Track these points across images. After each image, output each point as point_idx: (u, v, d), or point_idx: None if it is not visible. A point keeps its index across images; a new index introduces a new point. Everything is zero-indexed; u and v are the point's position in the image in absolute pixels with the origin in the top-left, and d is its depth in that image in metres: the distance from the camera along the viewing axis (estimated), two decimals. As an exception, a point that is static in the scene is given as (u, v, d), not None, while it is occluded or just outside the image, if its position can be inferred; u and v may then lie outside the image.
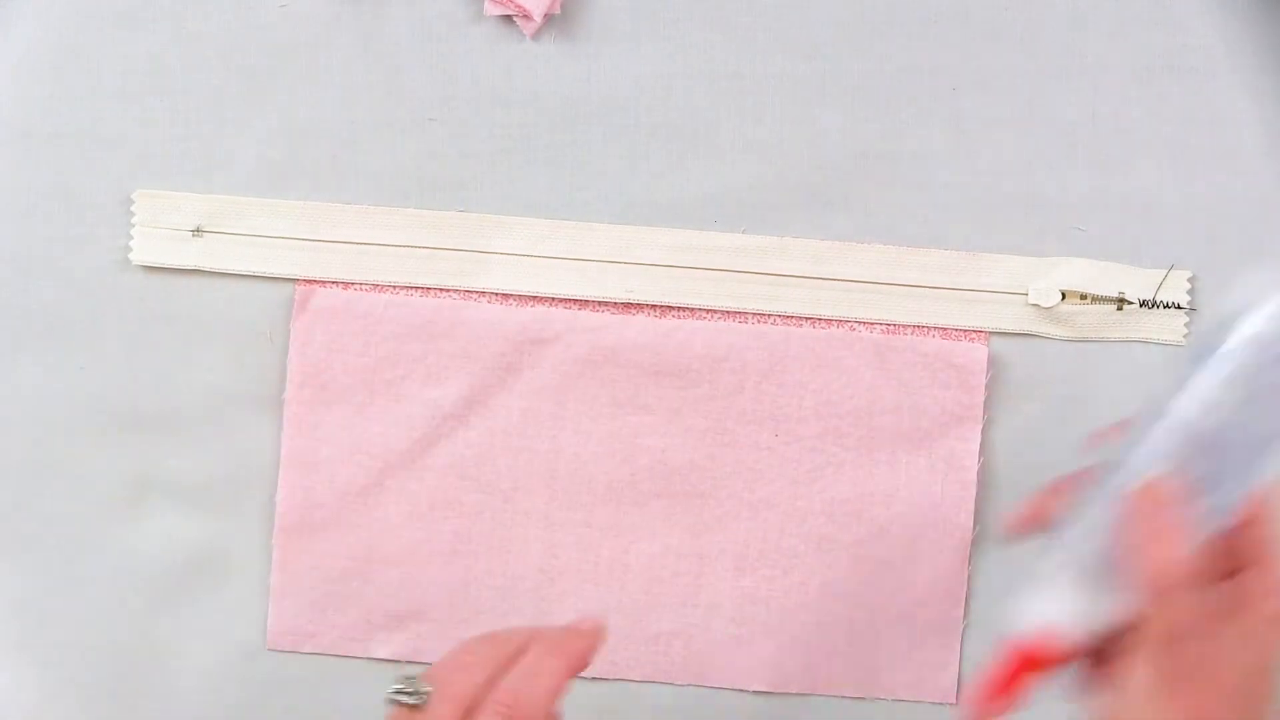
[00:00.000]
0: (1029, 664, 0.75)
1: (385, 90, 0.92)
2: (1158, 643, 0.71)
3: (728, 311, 0.92)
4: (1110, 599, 0.74)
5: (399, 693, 0.74)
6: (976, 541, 0.93)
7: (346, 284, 0.92)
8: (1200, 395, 0.72)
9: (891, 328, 0.92)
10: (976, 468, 0.92)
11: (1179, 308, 0.92)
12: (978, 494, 0.92)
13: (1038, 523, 0.76)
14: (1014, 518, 0.77)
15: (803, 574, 0.93)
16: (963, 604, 0.93)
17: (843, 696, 0.93)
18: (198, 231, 0.92)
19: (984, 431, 0.92)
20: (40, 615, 0.91)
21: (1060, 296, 0.91)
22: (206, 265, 0.92)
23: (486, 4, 0.91)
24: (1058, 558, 0.75)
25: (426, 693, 0.73)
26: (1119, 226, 0.92)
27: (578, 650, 0.78)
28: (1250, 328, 0.72)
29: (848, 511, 0.92)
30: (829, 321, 0.92)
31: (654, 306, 0.92)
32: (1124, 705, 0.72)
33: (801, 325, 0.92)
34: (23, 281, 0.92)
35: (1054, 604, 0.75)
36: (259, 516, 0.93)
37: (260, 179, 0.92)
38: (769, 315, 0.92)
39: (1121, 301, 0.92)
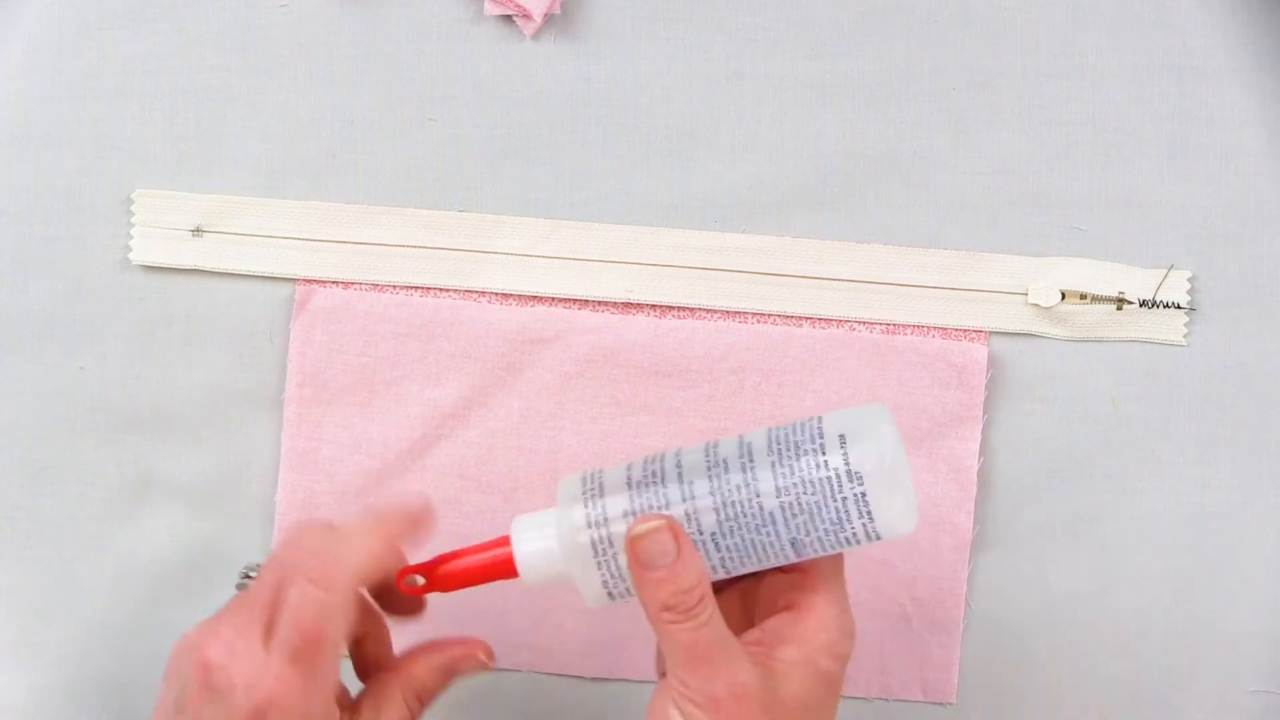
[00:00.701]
0: (483, 572, 0.79)
1: (385, 90, 0.92)
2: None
3: (728, 311, 0.92)
4: (594, 580, 0.78)
5: (243, 577, 0.78)
6: (976, 541, 0.93)
7: (346, 284, 0.92)
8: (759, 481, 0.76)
9: (891, 328, 0.92)
10: (976, 468, 0.92)
11: (1179, 308, 0.92)
12: (978, 494, 0.92)
13: None
14: None
15: (803, 574, 0.93)
16: (963, 604, 0.93)
17: (843, 696, 0.93)
18: (197, 231, 0.92)
19: (984, 431, 0.92)
20: (40, 614, 0.91)
21: (1060, 296, 0.91)
22: (206, 265, 0.92)
23: (486, 4, 0.91)
24: (590, 515, 0.77)
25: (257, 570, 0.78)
26: (1119, 226, 0.92)
27: (397, 526, 0.80)
28: (857, 461, 0.75)
29: None
30: (829, 321, 0.92)
31: (654, 306, 0.92)
32: None
33: (801, 325, 0.92)
34: (23, 281, 0.92)
35: (546, 544, 0.78)
36: (259, 516, 0.93)
37: (260, 179, 0.92)
38: (769, 315, 0.92)
39: (1121, 301, 0.92)
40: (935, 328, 0.92)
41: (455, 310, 0.92)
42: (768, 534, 0.76)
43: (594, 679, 0.94)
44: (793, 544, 0.76)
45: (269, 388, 0.92)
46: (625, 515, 0.77)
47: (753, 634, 0.79)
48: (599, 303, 0.92)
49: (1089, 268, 0.92)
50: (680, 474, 0.77)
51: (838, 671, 0.78)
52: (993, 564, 0.93)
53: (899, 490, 0.75)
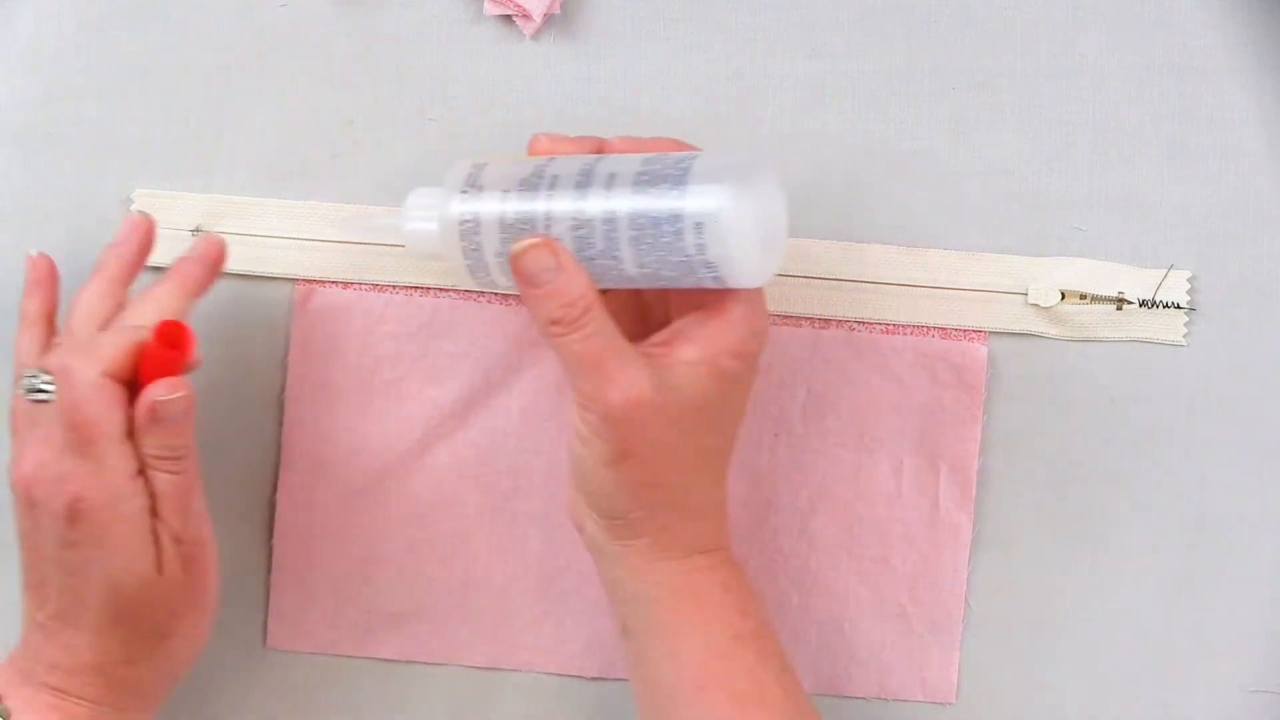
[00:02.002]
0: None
1: (385, 90, 0.92)
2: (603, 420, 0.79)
3: (727, 311, 0.92)
4: (462, 267, 0.83)
5: (29, 391, 0.83)
6: (976, 541, 0.93)
7: (346, 284, 0.92)
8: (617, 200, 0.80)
9: (891, 328, 0.92)
10: (976, 468, 0.92)
11: (1178, 307, 0.92)
12: (977, 494, 0.92)
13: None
14: None
15: (803, 574, 0.93)
16: (963, 604, 0.93)
17: (843, 696, 0.93)
18: (198, 231, 0.92)
19: (984, 431, 0.92)
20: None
21: (1060, 296, 0.91)
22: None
23: (486, 4, 0.91)
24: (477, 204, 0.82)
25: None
26: (1119, 226, 0.92)
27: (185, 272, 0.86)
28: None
29: (848, 511, 0.92)
30: (829, 321, 0.92)
31: (654, 306, 0.92)
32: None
33: (801, 325, 0.92)
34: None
35: (428, 225, 0.84)
36: (259, 516, 0.92)
37: (260, 179, 0.92)
38: (769, 315, 0.92)
39: (1121, 301, 0.92)
40: (935, 328, 0.92)
41: (455, 310, 0.92)
42: (618, 259, 0.80)
43: (594, 679, 0.94)
44: (646, 275, 0.80)
45: (269, 388, 0.92)
46: (497, 221, 0.82)
47: (660, 335, 0.82)
48: (599, 302, 0.92)
49: (1089, 268, 0.92)
50: (550, 194, 0.81)
51: (741, 370, 0.81)
52: (993, 564, 0.93)
53: (744, 240, 0.78)
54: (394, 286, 0.92)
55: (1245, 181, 0.91)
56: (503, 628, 0.93)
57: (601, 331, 0.80)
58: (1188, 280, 0.91)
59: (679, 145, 0.83)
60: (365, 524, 0.93)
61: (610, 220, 0.80)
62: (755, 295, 0.82)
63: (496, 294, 0.92)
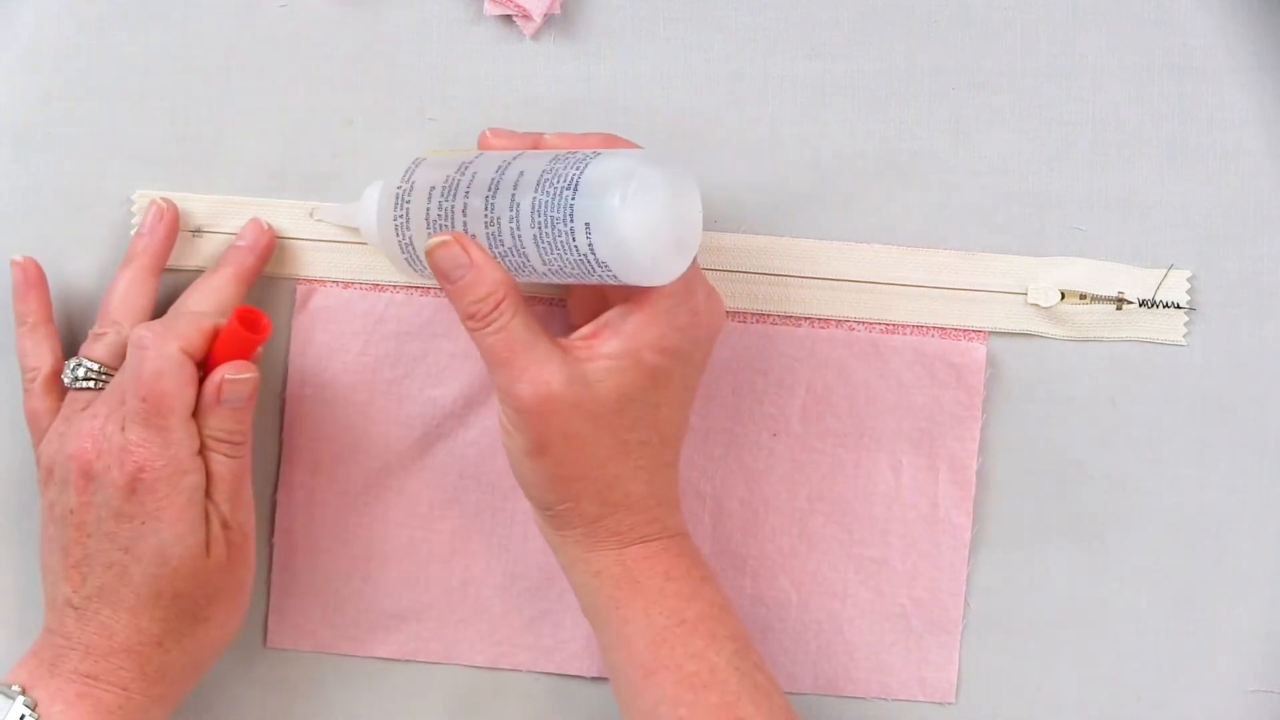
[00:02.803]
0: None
1: (385, 90, 0.92)
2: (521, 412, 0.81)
3: (727, 311, 0.92)
4: (400, 260, 0.86)
5: (75, 380, 0.88)
6: (976, 541, 0.93)
7: (347, 283, 0.92)
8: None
9: (891, 327, 0.92)
10: (975, 468, 0.92)
11: (1178, 307, 0.92)
12: (977, 494, 0.92)
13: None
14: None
15: (802, 574, 0.93)
16: (963, 604, 0.93)
17: (843, 696, 0.93)
18: (198, 232, 0.92)
19: (983, 431, 0.92)
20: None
21: (1060, 296, 0.91)
22: (207, 265, 0.92)
23: (486, 4, 0.91)
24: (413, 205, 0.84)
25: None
26: (1119, 226, 0.92)
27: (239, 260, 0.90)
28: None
29: (847, 511, 0.92)
30: (828, 321, 0.92)
31: (653, 306, 0.92)
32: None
33: (801, 325, 0.92)
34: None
35: (368, 220, 0.87)
36: (259, 516, 0.92)
37: (260, 179, 0.92)
38: (768, 315, 0.92)
39: (1121, 301, 0.92)
40: (934, 327, 0.92)
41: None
42: (525, 256, 0.81)
43: (594, 679, 0.94)
44: (553, 272, 0.81)
45: (270, 387, 0.92)
46: (424, 216, 0.84)
47: (586, 328, 0.83)
48: (599, 302, 0.92)
49: (1089, 268, 0.92)
50: (468, 191, 0.82)
51: (666, 364, 0.82)
52: (993, 564, 0.93)
53: (634, 240, 0.78)
54: (394, 286, 0.92)
55: (1245, 181, 0.91)
56: (503, 627, 0.93)
57: (511, 326, 0.81)
58: (1188, 280, 0.91)
59: (613, 141, 0.84)
60: (365, 523, 0.93)
61: (514, 218, 0.81)
62: (683, 291, 0.82)
63: (496, 294, 0.92)
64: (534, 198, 0.80)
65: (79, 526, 0.84)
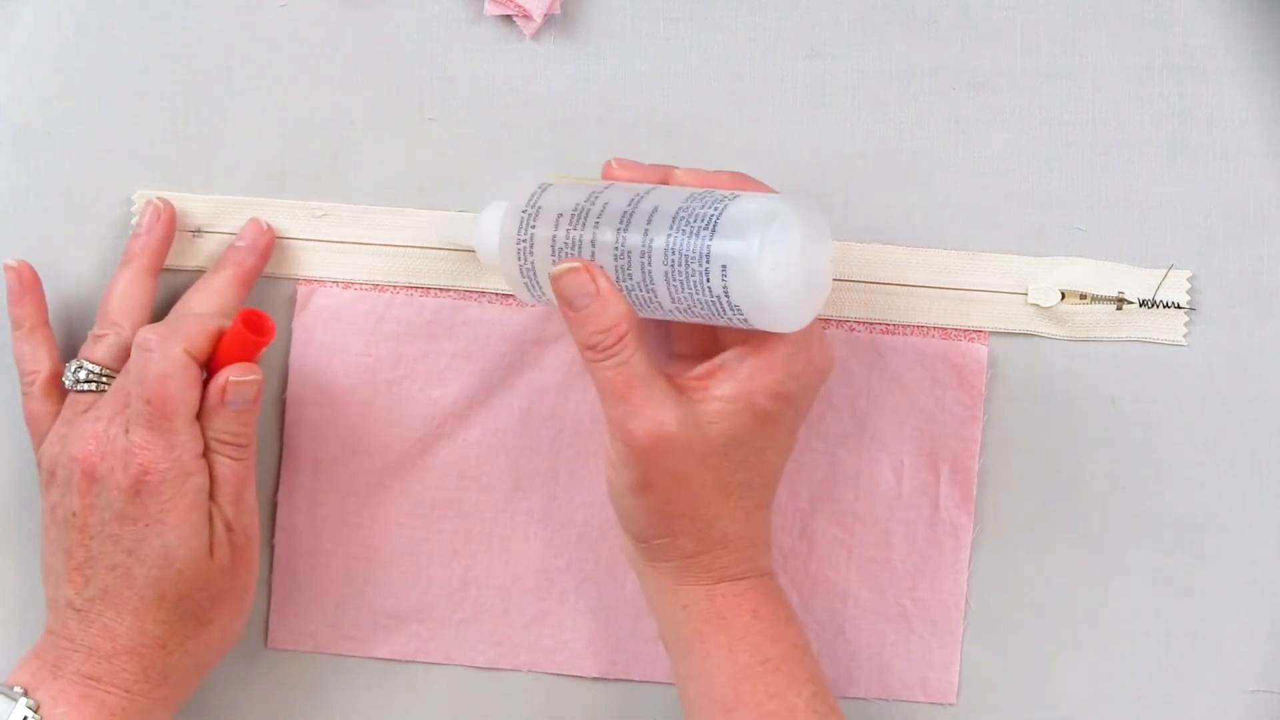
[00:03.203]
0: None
1: (385, 90, 0.92)
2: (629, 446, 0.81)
3: (728, 311, 0.92)
4: (519, 284, 0.86)
5: (77, 383, 0.88)
6: (976, 541, 0.93)
7: (347, 284, 0.92)
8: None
9: (891, 327, 0.92)
10: (976, 468, 0.92)
11: (1179, 307, 0.92)
12: (978, 494, 0.92)
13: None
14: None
15: (803, 574, 0.93)
16: (963, 604, 0.93)
17: (843, 696, 0.93)
18: (198, 232, 0.92)
19: (984, 431, 0.92)
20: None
21: (1060, 296, 0.91)
22: (208, 265, 0.92)
23: (486, 4, 0.91)
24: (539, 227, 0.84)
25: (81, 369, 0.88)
26: (1119, 226, 0.92)
27: (230, 298, 0.90)
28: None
29: (848, 512, 0.92)
30: (829, 321, 0.92)
31: (654, 306, 0.92)
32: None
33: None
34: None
35: (490, 240, 0.86)
36: (260, 516, 0.92)
37: (260, 179, 0.92)
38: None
39: (1121, 301, 0.92)
40: (935, 328, 0.92)
41: (456, 310, 0.92)
42: (654, 292, 0.81)
43: (594, 679, 0.94)
44: (681, 310, 0.81)
45: (270, 388, 0.92)
46: (549, 243, 0.83)
47: (703, 367, 0.83)
48: (599, 303, 0.92)
49: (1089, 268, 0.92)
50: (598, 222, 0.82)
51: (778, 411, 0.82)
52: (993, 564, 0.93)
53: (770, 286, 0.78)
54: (395, 286, 0.92)
55: (1245, 181, 0.91)
56: (503, 628, 0.93)
57: (632, 361, 0.80)
58: (1188, 280, 0.91)
59: (744, 181, 0.84)
60: (366, 524, 0.93)
61: (646, 254, 0.80)
62: (802, 338, 0.82)
63: (497, 294, 0.92)
64: (669, 235, 0.80)
65: (82, 529, 0.84)
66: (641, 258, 0.81)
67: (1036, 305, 0.92)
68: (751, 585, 0.84)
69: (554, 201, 0.84)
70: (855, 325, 0.92)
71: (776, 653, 0.83)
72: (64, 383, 0.88)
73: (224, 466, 0.85)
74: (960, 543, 0.92)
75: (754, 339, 0.82)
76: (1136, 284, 0.92)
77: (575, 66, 0.92)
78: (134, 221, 0.91)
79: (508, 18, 0.92)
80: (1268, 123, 0.91)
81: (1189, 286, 0.91)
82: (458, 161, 0.92)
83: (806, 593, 0.93)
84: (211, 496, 0.85)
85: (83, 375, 0.87)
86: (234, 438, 0.85)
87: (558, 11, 0.91)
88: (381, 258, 0.92)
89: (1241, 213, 0.92)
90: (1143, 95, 0.91)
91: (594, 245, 0.82)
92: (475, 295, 0.92)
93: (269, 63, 0.92)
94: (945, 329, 0.92)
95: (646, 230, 0.80)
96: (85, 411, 0.87)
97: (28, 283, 0.90)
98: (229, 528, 0.85)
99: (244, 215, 0.92)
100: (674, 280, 0.80)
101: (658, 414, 0.80)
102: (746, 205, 0.80)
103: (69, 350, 0.90)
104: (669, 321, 0.85)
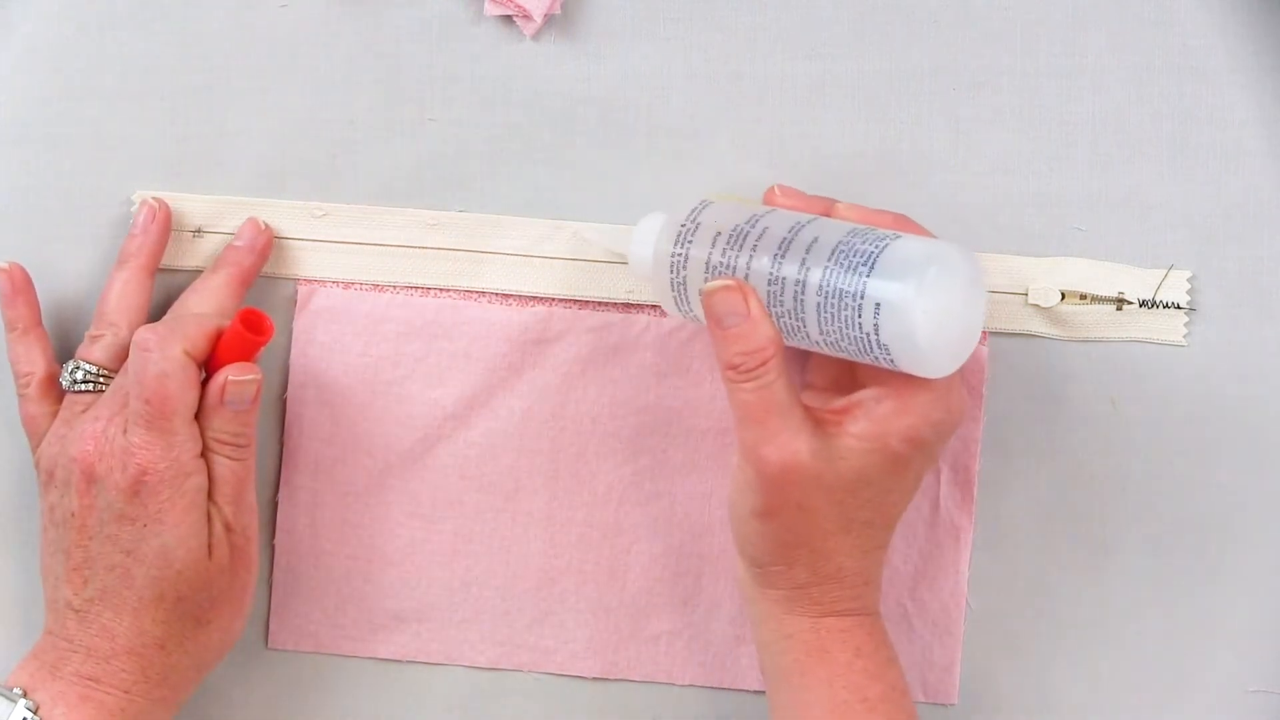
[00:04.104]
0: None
1: (385, 90, 0.92)
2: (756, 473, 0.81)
3: (729, 312, 0.92)
4: (668, 299, 0.86)
5: (73, 384, 0.88)
6: (976, 541, 0.93)
7: (348, 284, 0.92)
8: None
9: (892, 328, 0.92)
10: (976, 468, 0.92)
11: (1179, 308, 0.92)
12: (978, 494, 0.92)
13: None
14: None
15: (803, 574, 0.93)
16: (963, 604, 0.93)
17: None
18: (198, 232, 0.92)
19: (984, 431, 0.92)
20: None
21: (1060, 296, 0.91)
22: (208, 265, 0.92)
23: (486, 4, 0.91)
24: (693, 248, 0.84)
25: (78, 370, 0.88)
26: (1119, 226, 0.92)
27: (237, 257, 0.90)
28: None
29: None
30: (829, 321, 0.92)
31: (655, 307, 0.92)
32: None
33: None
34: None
35: (645, 251, 0.86)
36: (260, 516, 0.92)
37: (260, 179, 0.92)
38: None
39: (1121, 301, 0.92)
40: (936, 328, 0.92)
41: (457, 310, 0.92)
42: (803, 322, 0.81)
43: (594, 679, 0.94)
44: (828, 343, 0.81)
45: (270, 388, 0.92)
46: (704, 261, 0.84)
47: (839, 402, 0.83)
48: (600, 303, 0.92)
49: (1089, 268, 0.92)
50: (755, 245, 0.82)
51: (910, 455, 0.82)
52: (993, 564, 0.93)
53: (921, 330, 0.78)
54: (395, 286, 0.92)
55: (1245, 181, 0.91)
56: (504, 628, 0.93)
57: (773, 386, 0.80)
58: (1188, 280, 0.91)
59: (906, 223, 0.84)
60: (366, 524, 0.93)
61: (800, 282, 0.81)
62: (943, 385, 0.82)
63: (497, 294, 0.92)
64: (826, 267, 0.80)
65: (81, 529, 0.84)
66: (795, 286, 0.81)
67: (1036, 305, 0.92)
68: (858, 623, 0.84)
69: (713, 220, 0.84)
70: (855, 325, 0.92)
71: (875, 693, 0.83)
72: (61, 383, 0.88)
73: (223, 467, 0.85)
74: (960, 543, 0.92)
75: (894, 380, 0.82)
76: (1136, 284, 0.92)
77: (575, 66, 0.92)
78: (132, 221, 0.91)
79: (508, 18, 0.92)
80: (1268, 123, 0.91)
81: (1189, 286, 0.91)
82: (458, 161, 0.92)
83: (807, 593, 0.93)
84: (210, 497, 0.85)
85: (80, 376, 0.88)
86: (233, 438, 0.85)
87: (558, 11, 0.91)
88: (381, 258, 0.92)
89: (1241, 213, 0.92)
90: (1143, 95, 0.92)
91: (749, 268, 0.82)
92: (475, 295, 0.92)
93: (269, 63, 0.92)
94: (945, 329, 0.92)
95: (804, 259, 0.81)
96: (83, 412, 0.87)
97: (20, 284, 0.90)
98: (228, 528, 0.85)
99: (244, 215, 0.92)
100: (825, 312, 0.80)
101: (792, 443, 0.80)
102: (908, 246, 0.80)
103: (69, 350, 0.90)
104: (806, 350, 0.85)
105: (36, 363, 0.89)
